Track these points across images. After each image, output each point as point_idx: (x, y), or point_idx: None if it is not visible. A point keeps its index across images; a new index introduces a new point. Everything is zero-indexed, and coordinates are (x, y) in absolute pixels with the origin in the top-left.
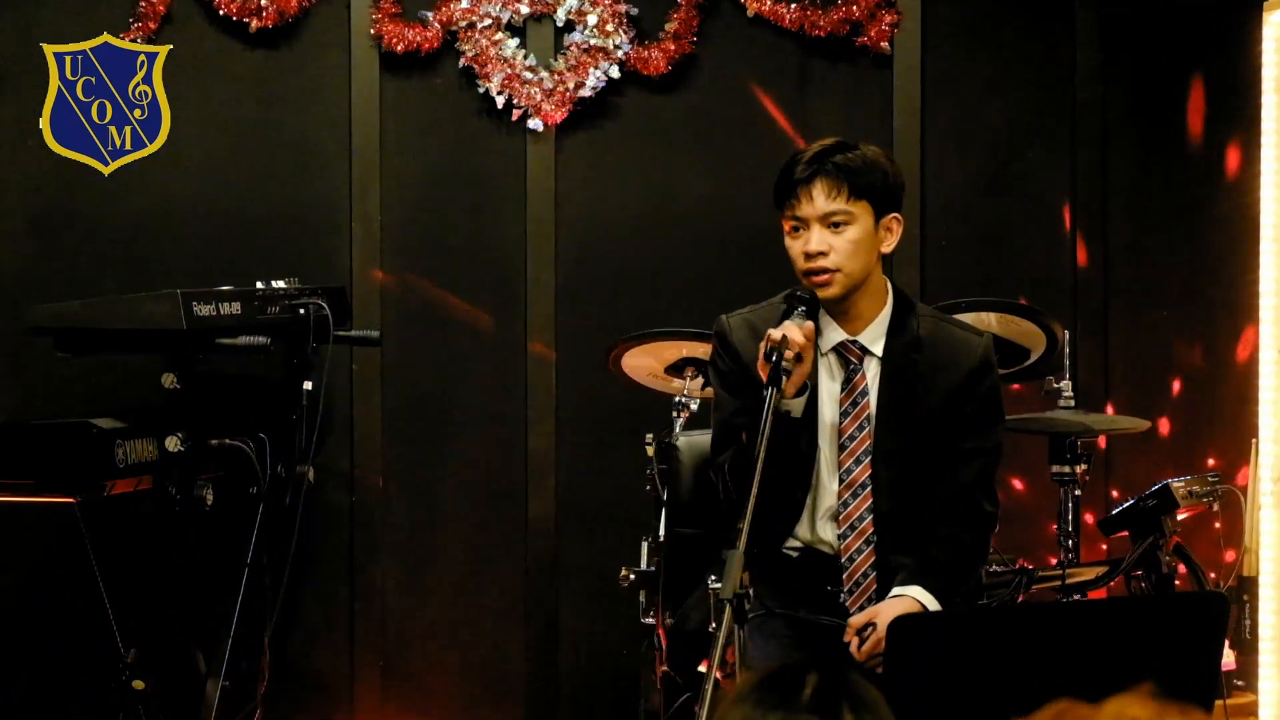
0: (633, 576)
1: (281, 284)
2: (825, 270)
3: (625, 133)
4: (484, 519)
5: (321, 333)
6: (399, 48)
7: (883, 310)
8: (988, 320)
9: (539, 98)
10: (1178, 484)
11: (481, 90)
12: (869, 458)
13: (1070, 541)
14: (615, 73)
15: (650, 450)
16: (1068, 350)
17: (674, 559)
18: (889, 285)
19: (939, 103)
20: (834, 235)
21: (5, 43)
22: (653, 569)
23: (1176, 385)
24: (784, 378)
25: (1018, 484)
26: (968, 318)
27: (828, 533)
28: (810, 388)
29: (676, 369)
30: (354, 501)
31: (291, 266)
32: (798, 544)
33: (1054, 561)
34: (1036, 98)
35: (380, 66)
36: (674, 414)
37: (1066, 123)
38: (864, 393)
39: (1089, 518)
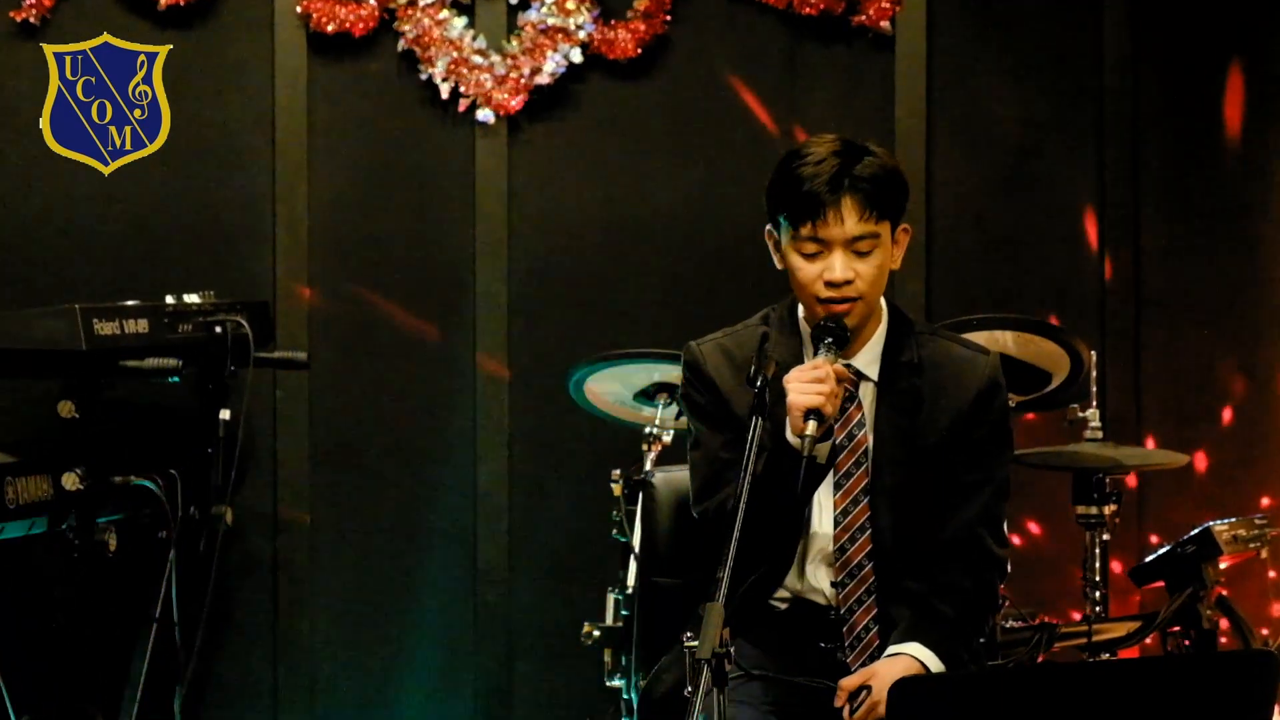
0: (596, 633)
1: (195, 298)
2: (849, 300)
3: (588, 125)
4: (426, 566)
5: (241, 354)
6: (329, 28)
7: (877, 330)
8: (1003, 340)
9: (489, 85)
10: (1221, 527)
11: (424, 77)
12: (867, 497)
13: (1098, 593)
14: (577, 56)
15: (617, 489)
16: (1094, 374)
17: (649, 614)
18: (884, 303)
19: (947, 91)
20: (859, 261)
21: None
22: (619, 625)
23: (1220, 414)
24: (816, 423)
25: (1037, 528)
26: (979, 337)
27: (821, 580)
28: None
29: (647, 395)
30: (278, 546)
31: (207, 278)
32: (786, 594)
33: (1079, 616)
34: (1058, 86)
35: (308, 50)
36: (644, 447)
37: (1092, 115)
38: (860, 424)
39: (1119, 566)
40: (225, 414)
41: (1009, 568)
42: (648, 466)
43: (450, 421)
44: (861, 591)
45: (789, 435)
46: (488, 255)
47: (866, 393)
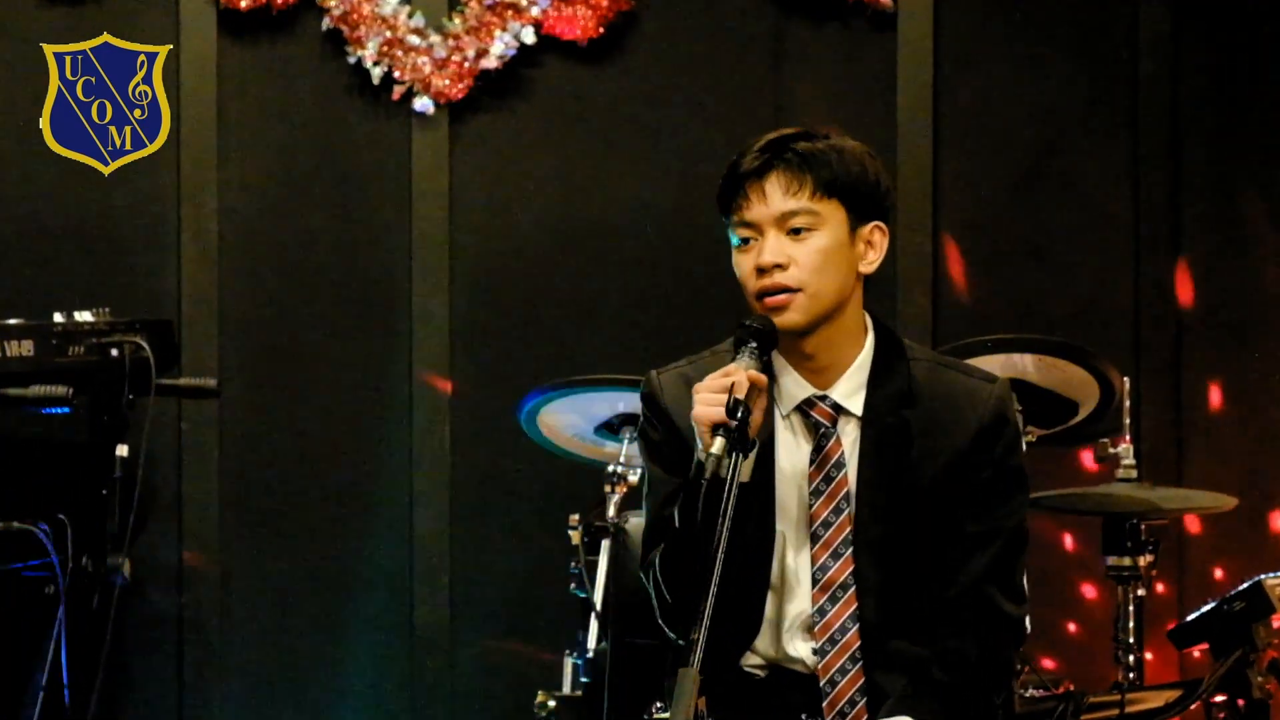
0: (552, 704)
1: (88, 316)
2: (783, 289)
3: (542, 116)
4: (355, 626)
5: (141, 381)
6: (243, 3)
7: (860, 353)
8: (1022, 364)
9: (428, 70)
10: (1273, 581)
11: (352, 60)
12: (849, 550)
13: (1132, 657)
14: (529, 37)
15: (576, 536)
16: (1128, 404)
17: (623, 677)
18: (869, 321)
19: (957, 76)
20: (795, 243)
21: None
22: (579, 694)
23: (1273, 450)
24: (733, 437)
25: (1062, 582)
26: (996, 361)
27: (800, 648)
28: (759, 446)
29: (610, 429)
30: (183, 602)
31: (101, 293)
32: (761, 661)
33: (1111, 683)
34: (1086, 70)
35: (218, 28)
36: (607, 488)
37: (1124, 104)
38: (840, 465)
39: (1157, 626)
40: (122, 449)
41: (1028, 628)
42: (612, 511)
43: (383, 458)
44: (845, 659)
45: (698, 453)
46: (426, 266)
47: (849, 428)
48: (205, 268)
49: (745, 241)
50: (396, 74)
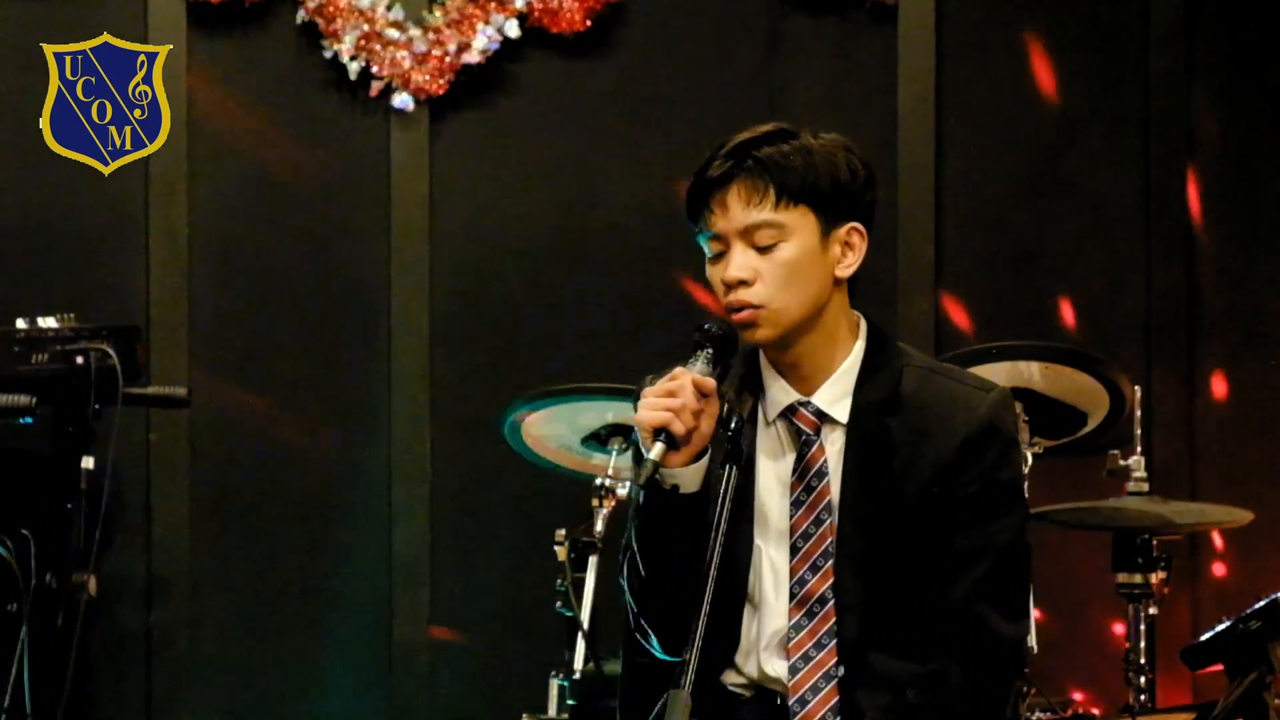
0: None
1: (52, 322)
2: (747, 305)
3: (527, 113)
4: (331, 645)
5: (107, 390)
6: None
7: (848, 358)
8: (1028, 372)
9: (408, 65)
10: None
11: (328, 54)
12: (829, 562)
13: (1143, 678)
14: (514, 30)
15: (562, 552)
16: (1139, 414)
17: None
18: (862, 323)
19: (961, 69)
20: (761, 258)
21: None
22: (565, 717)
23: None
24: (664, 446)
25: (1070, 599)
26: (1001, 369)
27: (778, 666)
28: (744, 456)
29: (598, 440)
30: (152, 621)
31: (66, 298)
32: (745, 681)
33: (1122, 705)
34: (1096, 62)
35: (188, 20)
36: (595, 502)
37: (1136, 99)
38: (821, 474)
39: (1169, 646)
40: (88, 462)
41: (1031, 646)
42: (599, 526)
43: (360, 470)
44: (819, 677)
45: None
46: (405, 269)
47: (833, 436)
48: (174, 271)
49: (715, 253)
50: (374, 69)
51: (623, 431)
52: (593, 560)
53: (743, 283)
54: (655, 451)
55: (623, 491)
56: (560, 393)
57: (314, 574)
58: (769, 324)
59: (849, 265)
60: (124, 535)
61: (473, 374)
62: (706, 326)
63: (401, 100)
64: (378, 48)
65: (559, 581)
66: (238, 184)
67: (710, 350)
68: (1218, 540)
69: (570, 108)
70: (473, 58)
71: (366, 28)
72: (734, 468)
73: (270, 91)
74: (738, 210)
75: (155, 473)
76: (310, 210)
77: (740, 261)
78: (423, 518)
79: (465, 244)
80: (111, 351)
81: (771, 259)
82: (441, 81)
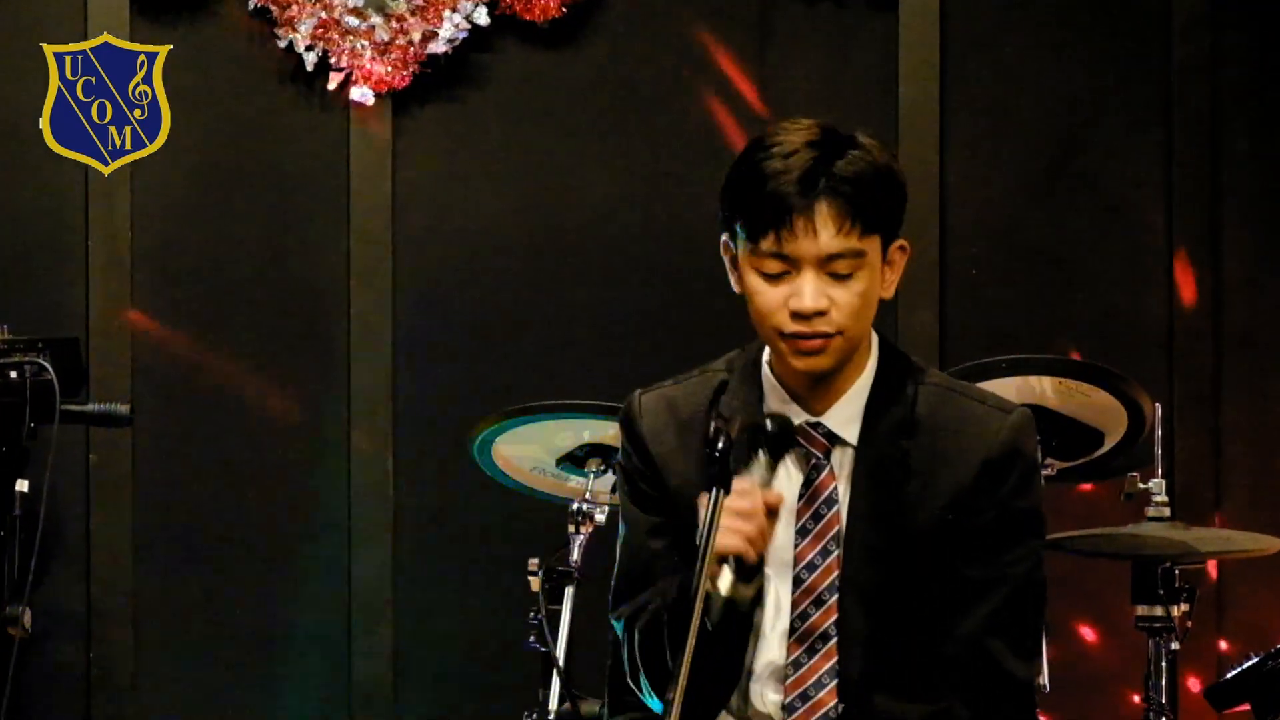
0: None
1: None
2: (821, 335)
3: (498, 108)
4: (286, 684)
5: (44, 407)
6: None
7: (861, 376)
8: (1040, 388)
9: (368, 55)
10: None
11: (283, 44)
12: (835, 596)
13: (1164, 718)
14: (483, 17)
15: (536, 583)
16: (1159, 434)
17: None
18: (873, 338)
19: (967, 62)
20: (836, 285)
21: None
22: None
23: None
24: (734, 577)
25: (1087, 633)
26: (1011, 384)
27: (769, 701)
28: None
29: (575, 461)
30: (93, 658)
31: None
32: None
33: None
34: (1113, 54)
35: (131, 8)
36: (571, 528)
37: (1157, 93)
38: (831, 500)
39: (1193, 684)
40: (23, 485)
41: (1043, 685)
42: (576, 554)
43: (318, 494)
44: (817, 717)
45: (705, 582)
46: (365, 278)
47: (843, 459)
48: (116, 279)
49: (777, 274)
50: (332, 59)
51: (601, 452)
52: (569, 591)
53: (819, 313)
54: (725, 584)
55: (601, 517)
56: (534, 410)
57: (266, 607)
58: (835, 352)
59: (892, 284)
60: (62, 564)
61: (439, 389)
62: (765, 424)
63: (361, 93)
64: (336, 37)
65: (532, 614)
66: (184, 185)
67: (768, 453)
68: (1244, 570)
69: (544, 102)
70: (438, 47)
71: (324, 15)
72: (720, 492)
73: (220, 84)
74: (826, 236)
75: (95, 496)
76: (263, 214)
77: (817, 289)
78: (384, 545)
79: (430, 249)
80: (48, 365)
81: (848, 288)
82: (405, 73)
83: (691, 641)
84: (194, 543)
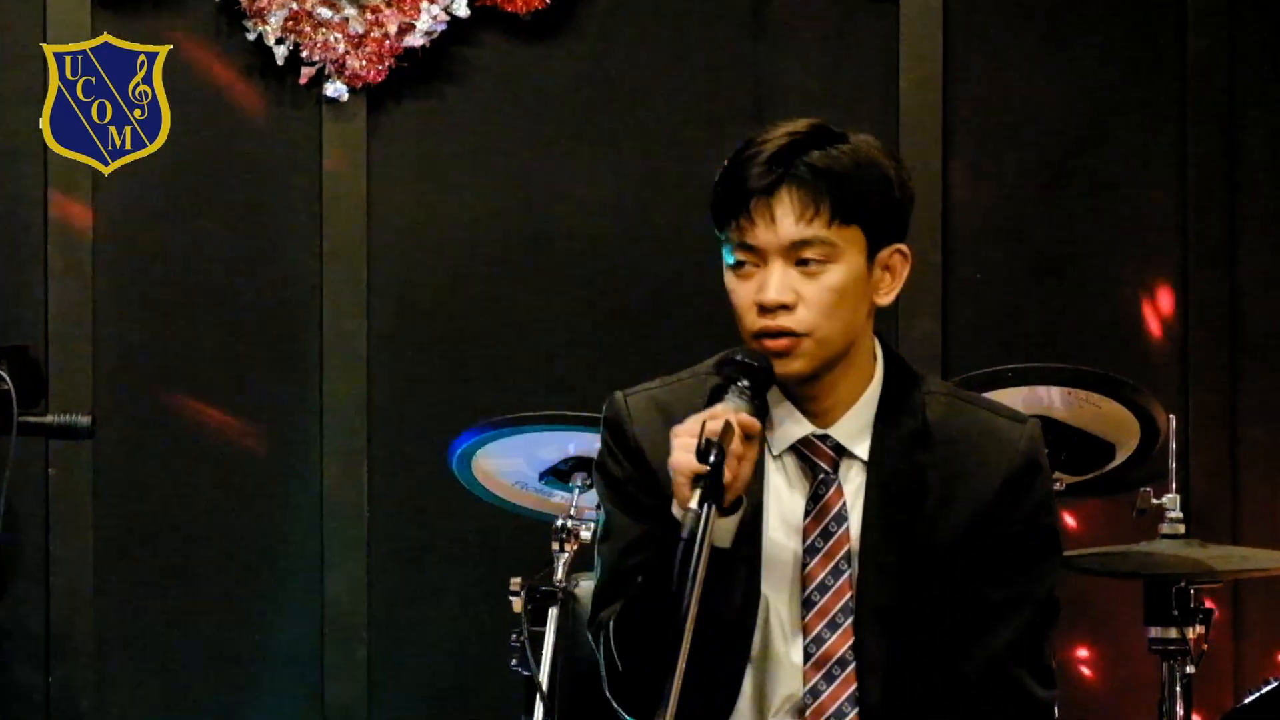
0: None
1: None
2: (787, 333)
3: (479, 104)
4: (256, 708)
5: (0, 418)
6: None
7: (868, 388)
8: (1048, 398)
9: (342, 49)
10: None
11: (252, 37)
12: (850, 619)
13: None
14: (462, 9)
15: (518, 603)
16: (1174, 446)
17: None
18: (879, 350)
19: (970, 58)
20: (804, 279)
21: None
22: None
23: None
24: (705, 485)
25: (1096, 657)
26: (1015, 395)
27: None
28: (746, 506)
29: (559, 475)
30: (51, 681)
31: None
32: None
33: None
34: (1124, 50)
35: (92, 1)
36: (555, 546)
37: (1170, 91)
38: (840, 518)
39: (1207, 709)
40: None
41: (1056, 715)
42: (560, 573)
43: (288, 510)
44: None
45: (674, 508)
46: (339, 281)
47: (853, 474)
48: (77, 283)
49: (741, 264)
50: (304, 53)
51: (586, 466)
52: (553, 612)
53: (783, 307)
54: (696, 501)
55: (586, 534)
56: (516, 422)
57: (235, 628)
58: (807, 356)
59: (889, 291)
60: (19, 583)
61: (416, 399)
62: (739, 357)
63: (335, 89)
64: (308, 29)
65: (514, 636)
66: (148, 183)
67: (746, 384)
68: (1263, 590)
69: (527, 97)
70: (416, 40)
71: (295, 6)
72: (712, 507)
73: (186, 79)
74: (786, 224)
75: (54, 512)
76: (231, 213)
77: (781, 282)
78: (358, 563)
79: (407, 252)
80: (4, 375)
81: (818, 282)
82: (380, 67)
83: (682, 664)
84: (159, 559)
